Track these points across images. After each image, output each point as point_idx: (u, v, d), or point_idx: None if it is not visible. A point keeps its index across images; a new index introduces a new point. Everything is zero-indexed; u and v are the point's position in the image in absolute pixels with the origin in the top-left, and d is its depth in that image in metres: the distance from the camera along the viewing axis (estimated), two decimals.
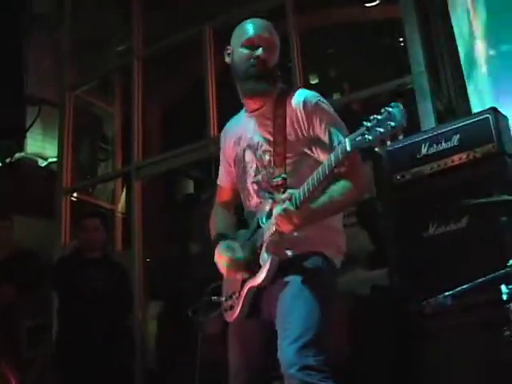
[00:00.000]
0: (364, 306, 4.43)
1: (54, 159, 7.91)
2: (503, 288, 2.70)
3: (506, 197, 3.07)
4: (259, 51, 2.84)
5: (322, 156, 2.72)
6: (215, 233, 3.05)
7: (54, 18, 8.11)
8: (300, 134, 2.78)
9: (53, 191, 7.29)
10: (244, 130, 2.98)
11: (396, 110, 2.26)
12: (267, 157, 2.83)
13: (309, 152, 2.78)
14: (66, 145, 7.38)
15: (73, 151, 7.47)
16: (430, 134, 4.11)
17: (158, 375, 6.26)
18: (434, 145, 4.02)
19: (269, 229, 2.65)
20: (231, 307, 2.85)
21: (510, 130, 4.00)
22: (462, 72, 5.31)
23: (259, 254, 2.71)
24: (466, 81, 5.25)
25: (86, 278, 5.34)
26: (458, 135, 3.94)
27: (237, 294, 2.81)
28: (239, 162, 2.99)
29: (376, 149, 2.49)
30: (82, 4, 7.85)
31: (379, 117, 2.28)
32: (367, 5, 7.46)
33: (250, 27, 2.94)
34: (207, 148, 6.27)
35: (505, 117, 4.02)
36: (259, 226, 2.76)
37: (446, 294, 2.84)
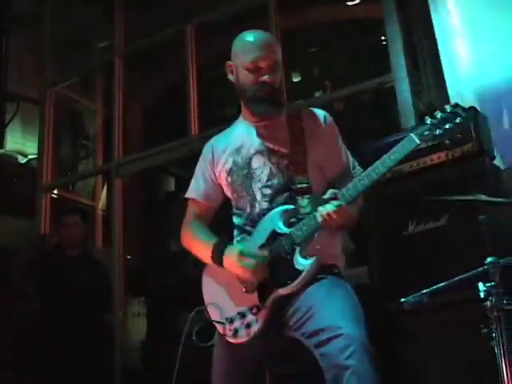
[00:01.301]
0: None
1: (34, 156, 7.87)
2: (480, 286, 2.72)
3: (483, 196, 3.09)
4: (266, 77, 2.82)
5: (329, 170, 2.88)
6: (213, 241, 2.85)
7: (36, 15, 8.05)
8: (318, 147, 2.84)
9: (33, 188, 7.25)
10: (246, 139, 2.94)
11: (459, 108, 2.49)
12: (286, 162, 2.81)
13: (322, 165, 2.86)
14: (46, 142, 7.35)
15: (53, 148, 7.44)
16: None
17: (138, 373, 6.25)
18: None
19: (306, 228, 2.64)
20: (236, 332, 2.69)
21: (489, 129, 4.03)
22: (442, 70, 5.33)
23: (287, 260, 2.63)
24: (446, 79, 5.27)
25: (66, 275, 5.33)
26: None
27: (254, 310, 2.66)
28: (240, 170, 2.88)
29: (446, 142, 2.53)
30: (63, 1, 7.80)
31: (443, 113, 2.50)
32: (349, 3, 7.48)
33: (253, 47, 2.85)
34: (188, 145, 6.27)
35: (484, 117, 4.05)
36: (277, 233, 2.69)
37: (424, 291, 2.86)
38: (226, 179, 2.94)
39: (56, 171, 7.51)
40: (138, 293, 6.79)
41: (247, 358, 2.75)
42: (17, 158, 8.44)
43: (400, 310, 3.00)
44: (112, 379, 5.75)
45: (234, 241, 2.91)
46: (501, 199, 3.19)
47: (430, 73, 5.65)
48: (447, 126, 2.47)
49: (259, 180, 2.81)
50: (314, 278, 2.64)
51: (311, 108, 3.00)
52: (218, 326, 2.74)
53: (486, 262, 2.74)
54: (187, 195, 3.08)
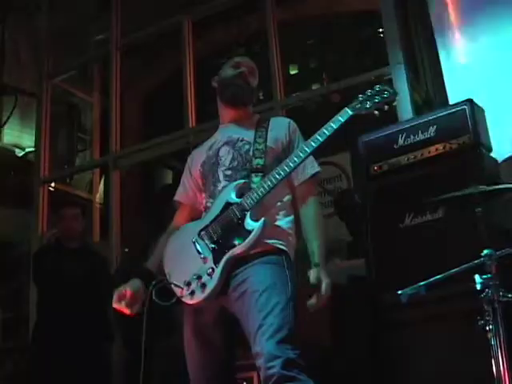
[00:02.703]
0: (341, 296, 4.44)
1: (32, 149, 7.87)
2: (477, 278, 2.74)
3: (480, 188, 3.09)
4: (243, 69, 3.21)
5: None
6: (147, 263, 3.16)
7: (32, 7, 8.05)
8: (280, 145, 3.11)
9: (30, 181, 7.25)
10: (218, 136, 3.25)
11: (387, 85, 2.92)
12: (246, 147, 3.09)
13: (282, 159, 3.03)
14: (43, 134, 7.34)
15: (50, 141, 7.42)
16: (407, 125, 4.14)
17: (135, 362, 6.24)
18: (411, 136, 4.05)
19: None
20: (192, 292, 2.84)
21: (485, 121, 4.04)
22: (439, 63, 5.33)
23: (238, 225, 2.85)
24: (444, 71, 5.27)
25: (66, 268, 5.31)
26: (435, 126, 3.98)
27: (209, 271, 2.82)
28: (209, 160, 3.16)
29: (376, 112, 2.86)
30: None
31: (373, 91, 2.89)
32: None
33: (236, 58, 3.30)
34: (186, 138, 6.27)
35: (481, 108, 4.05)
36: (229, 203, 2.92)
37: (421, 283, 2.87)
38: (199, 171, 3.19)
39: (53, 164, 7.50)
40: None
41: (208, 320, 2.92)
42: (14, 151, 8.44)
43: (397, 302, 3.00)
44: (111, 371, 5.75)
45: None
46: (498, 186, 3.20)
47: (427, 65, 5.66)
48: (376, 100, 2.85)
49: (223, 165, 3.07)
50: (261, 255, 2.86)
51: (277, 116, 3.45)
52: (176, 289, 2.89)
53: (482, 254, 2.75)
54: (174, 198, 3.37)
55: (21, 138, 8.46)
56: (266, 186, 2.84)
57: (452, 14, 5.28)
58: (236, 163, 3.06)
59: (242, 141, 3.12)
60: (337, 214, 5.43)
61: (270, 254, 2.88)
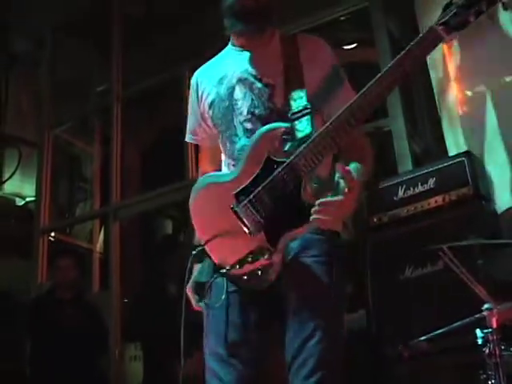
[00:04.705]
0: None
1: (32, 198, 7.88)
2: (478, 332, 2.72)
3: (481, 240, 3.09)
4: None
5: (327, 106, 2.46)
6: None
7: (34, 58, 8.14)
8: (315, 71, 2.48)
9: (30, 231, 7.25)
10: (230, 66, 2.58)
11: None
12: (270, 91, 2.44)
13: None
14: (44, 184, 7.36)
15: (51, 191, 7.44)
16: (407, 177, 4.17)
17: None
18: (411, 188, 4.07)
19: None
20: (252, 274, 2.29)
21: (485, 172, 4.06)
22: (437, 114, 5.37)
23: (294, 196, 2.24)
24: (442, 122, 5.31)
25: (59, 318, 5.30)
26: (434, 178, 4.00)
27: (266, 254, 2.26)
28: (221, 102, 2.53)
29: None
30: (62, 44, 7.88)
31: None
32: (346, 47, 7.55)
33: None
34: (186, 189, 6.28)
35: (479, 160, 4.08)
36: (273, 161, 2.29)
37: (422, 338, 2.86)
38: (208, 113, 2.59)
39: (53, 213, 7.51)
40: (134, 336, 6.73)
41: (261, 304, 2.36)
42: (14, 200, 8.46)
43: (398, 356, 2.98)
44: None
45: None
46: (501, 241, 3.20)
47: (425, 116, 5.70)
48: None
49: (240, 113, 2.46)
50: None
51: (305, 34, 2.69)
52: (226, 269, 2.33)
53: (482, 308, 2.74)
54: (186, 139, 2.81)
55: (22, 187, 8.48)
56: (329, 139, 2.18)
57: (449, 65, 5.33)
58: (258, 113, 2.43)
59: (261, 80, 2.46)
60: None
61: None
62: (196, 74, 2.73)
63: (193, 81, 2.71)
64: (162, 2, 7.22)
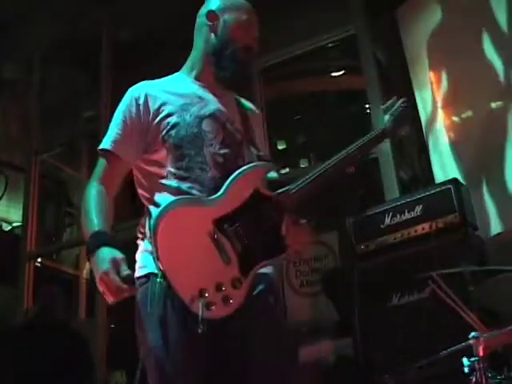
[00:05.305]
0: (328, 376, 4.40)
1: (19, 224, 7.85)
2: (465, 361, 2.71)
3: (471, 267, 3.10)
4: (254, 44, 2.66)
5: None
6: (96, 227, 2.38)
7: (22, 83, 8.14)
8: (257, 135, 2.72)
9: (17, 256, 7.20)
10: (195, 98, 2.59)
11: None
12: (239, 137, 2.57)
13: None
14: (30, 209, 7.32)
15: (37, 216, 7.40)
16: (394, 205, 4.18)
17: None
18: (398, 215, 4.08)
19: None
20: (209, 304, 2.19)
21: (470, 200, 4.07)
22: (424, 140, 5.40)
23: (275, 230, 2.39)
24: (429, 149, 5.34)
25: (44, 345, 5.26)
26: (421, 205, 4.01)
27: (234, 282, 2.24)
28: (188, 127, 2.48)
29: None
30: (50, 70, 7.88)
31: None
32: (333, 74, 7.60)
33: (247, 9, 2.68)
34: None
35: (466, 187, 4.09)
36: (261, 194, 2.41)
37: (409, 366, 2.84)
38: (165, 131, 2.48)
39: (40, 239, 7.47)
40: (120, 364, 6.68)
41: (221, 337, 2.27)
42: (1, 226, 8.42)
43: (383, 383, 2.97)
44: None
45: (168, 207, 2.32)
46: (492, 267, 3.20)
47: (412, 143, 5.72)
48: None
49: (211, 145, 2.47)
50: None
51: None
52: (184, 295, 2.18)
53: (469, 336, 2.73)
54: (101, 146, 2.54)
55: (8, 212, 8.45)
56: (312, 177, 2.46)
57: (436, 92, 5.37)
58: (228, 152, 2.50)
59: (232, 124, 2.58)
60: (324, 293, 5.40)
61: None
62: (141, 88, 2.61)
63: (135, 93, 2.59)
64: (151, 27, 7.24)
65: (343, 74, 7.49)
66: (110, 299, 2.19)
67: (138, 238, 2.56)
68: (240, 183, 2.39)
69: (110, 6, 7.27)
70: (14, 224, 8.34)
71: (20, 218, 7.64)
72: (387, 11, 5.95)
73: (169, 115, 2.50)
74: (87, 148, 8.10)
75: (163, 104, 2.53)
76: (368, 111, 6.11)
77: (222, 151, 2.47)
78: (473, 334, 2.72)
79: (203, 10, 2.70)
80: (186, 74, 2.72)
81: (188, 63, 2.75)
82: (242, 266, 2.28)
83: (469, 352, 2.75)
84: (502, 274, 3.21)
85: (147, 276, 2.36)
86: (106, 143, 2.52)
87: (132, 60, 7.29)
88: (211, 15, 2.63)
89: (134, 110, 2.55)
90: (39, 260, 7.48)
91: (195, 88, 2.64)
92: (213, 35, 2.63)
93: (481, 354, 2.68)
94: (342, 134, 7.83)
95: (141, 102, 2.54)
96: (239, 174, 2.41)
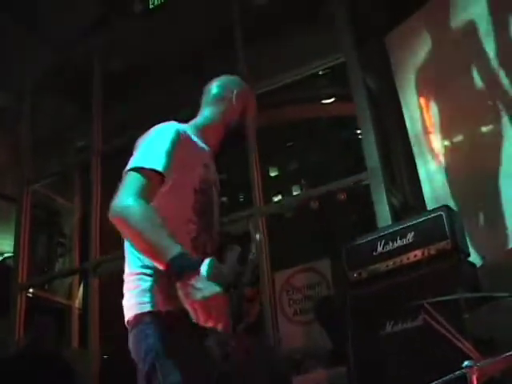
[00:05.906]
0: None
1: (10, 254, 7.80)
2: None
3: (465, 294, 3.09)
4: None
5: None
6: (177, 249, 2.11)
7: (14, 113, 8.13)
8: None
9: (8, 287, 7.16)
10: (210, 161, 2.60)
11: None
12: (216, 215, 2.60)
13: None
14: (22, 240, 7.27)
15: (29, 247, 7.36)
16: (386, 232, 4.17)
17: None
18: (390, 242, 4.08)
19: None
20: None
21: (462, 226, 4.07)
22: (415, 166, 5.42)
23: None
24: (420, 175, 5.35)
25: (36, 376, 5.22)
26: (413, 232, 4.01)
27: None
28: (207, 190, 2.48)
29: None
30: (41, 99, 7.89)
31: None
32: (324, 101, 7.64)
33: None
34: None
35: (457, 213, 4.10)
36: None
37: None
38: (200, 182, 2.46)
39: (32, 269, 7.42)
40: None
41: None
42: None
43: None
44: None
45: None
46: (487, 294, 3.19)
47: (403, 169, 5.75)
48: None
49: (212, 216, 2.52)
50: None
51: None
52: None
53: (463, 365, 2.72)
54: (149, 165, 2.32)
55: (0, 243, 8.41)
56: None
57: (427, 119, 5.40)
58: (216, 227, 2.55)
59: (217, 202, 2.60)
60: (317, 321, 5.38)
61: None
62: (183, 130, 2.53)
63: (181, 135, 2.47)
64: (142, 58, 7.26)
65: (334, 101, 7.53)
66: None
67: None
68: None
69: (101, 36, 7.30)
70: (6, 255, 8.29)
71: (11, 249, 7.60)
72: (376, 37, 6.00)
73: (197, 166, 2.52)
74: (79, 177, 8.08)
75: (193, 154, 2.53)
76: (359, 137, 6.14)
77: (213, 230, 2.54)
78: (466, 362, 2.71)
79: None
80: (195, 128, 2.77)
81: None
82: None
83: (463, 381, 2.74)
84: (495, 301, 3.21)
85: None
86: (160, 165, 2.32)
87: (123, 90, 7.31)
88: (238, 89, 2.85)
89: (178, 147, 2.43)
90: (31, 290, 7.42)
91: (198, 143, 2.62)
92: (231, 104, 2.80)
93: (474, 382, 2.67)
94: (334, 159, 7.86)
95: (182, 143, 2.45)
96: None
